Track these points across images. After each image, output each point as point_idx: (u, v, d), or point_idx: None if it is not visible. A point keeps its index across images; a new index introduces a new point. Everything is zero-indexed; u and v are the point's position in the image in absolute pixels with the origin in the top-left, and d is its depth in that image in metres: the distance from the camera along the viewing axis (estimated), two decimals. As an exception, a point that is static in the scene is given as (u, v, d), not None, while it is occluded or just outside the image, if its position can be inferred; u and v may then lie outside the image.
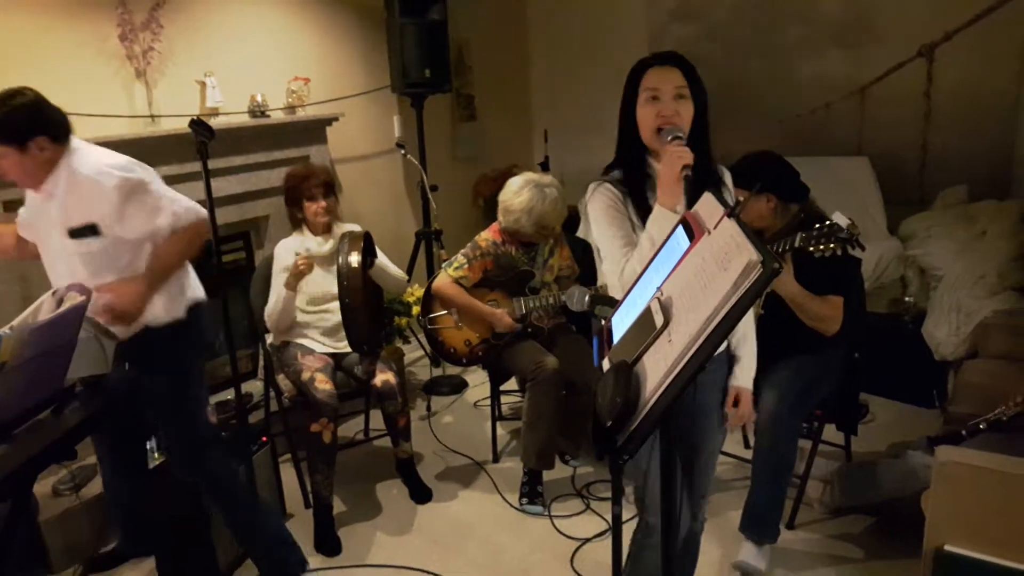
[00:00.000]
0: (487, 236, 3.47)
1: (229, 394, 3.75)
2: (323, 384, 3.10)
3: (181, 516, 2.84)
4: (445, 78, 4.59)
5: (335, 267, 3.20)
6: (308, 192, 3.32)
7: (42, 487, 3.09)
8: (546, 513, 3.28)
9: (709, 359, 1.03)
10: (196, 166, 3.51)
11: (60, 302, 1.89)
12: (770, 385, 2.84)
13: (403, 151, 4.46)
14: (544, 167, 5.45)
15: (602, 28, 5.77)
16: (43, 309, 1.84)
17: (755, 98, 5.15)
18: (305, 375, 3.15)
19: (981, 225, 4.26)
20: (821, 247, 2.50)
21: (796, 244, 2.59)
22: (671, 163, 1.74)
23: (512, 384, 3.90)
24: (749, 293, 0.98)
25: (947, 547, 2.37)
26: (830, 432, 3.20)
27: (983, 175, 4.46)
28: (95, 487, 3.13)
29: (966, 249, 4.16)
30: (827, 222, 2.52)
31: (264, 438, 3.16)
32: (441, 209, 4.61)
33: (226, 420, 3.44)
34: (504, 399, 4.05)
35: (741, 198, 2.76)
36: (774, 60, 5.08)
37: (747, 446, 3.53)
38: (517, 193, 3.33)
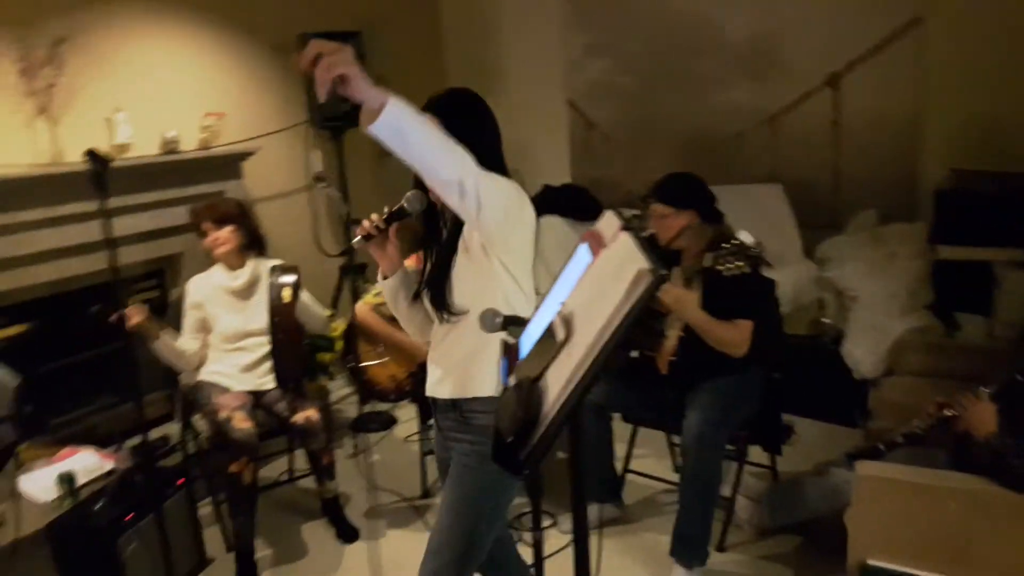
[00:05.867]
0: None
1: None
2: (241, 423, 3.01)
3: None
4: (363, 112, 4.56)
5: (249, 302, 3.12)
6: (200, 227, 3.25)
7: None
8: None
9: (605, 368, 1.02)
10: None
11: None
12: (693, 406, 2.87)
13: (324, 185, 4.41)
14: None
15: (519, 62, 5.83)
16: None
17: (671, 129, 5.26)
18: (222, 414, 3.05)
19: (891, 247, 4.40)
20: (730, 265, 2.54)
21: (705, 264, 2.63)
22: None
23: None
24: (641, 299, 0.97)
25: (870, 561, 2.41)
26: (756, 453, 3.24)
27: (891, 199, 4.62)
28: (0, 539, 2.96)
29: (878, 270, 4.29)
30: (733, 241, 2.57)
31: (182, 480, 3.05)
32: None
33: (137, 466, 3.31)
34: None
35: (666, 212, 2.83)
36: (687, 91, 5.20)
37: (676, 470, 3.54)
38: None
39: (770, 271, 2.83)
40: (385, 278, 2.06)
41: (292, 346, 3.11)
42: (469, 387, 1.94)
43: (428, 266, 2.04)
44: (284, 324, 3.07)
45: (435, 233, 2.02)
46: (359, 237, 1.91)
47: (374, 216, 1.91)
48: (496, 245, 1.83)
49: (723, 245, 2.56)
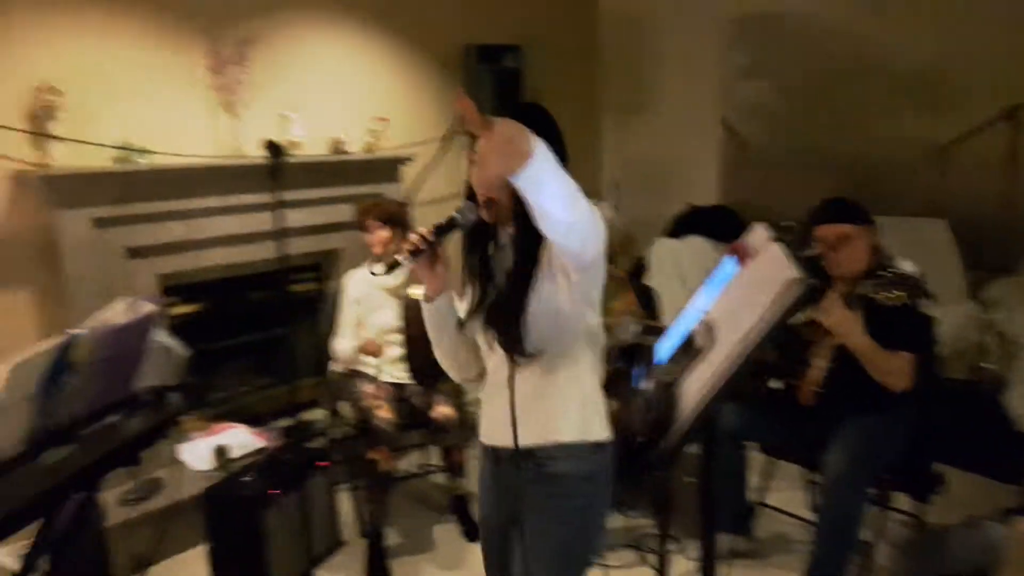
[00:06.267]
0: None
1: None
2: (383, 413, 3.15)
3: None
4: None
5: (399, 300, 3.25)
6: (364, 224, 3.38)
7: (110, 496, 3.22)
8: (600, 562, 3.21)
9: (744, 387, 1.01)
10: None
11: (132, 310, 1.98)
12: (836, 443, 2.74)
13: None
14: (611, 217, 5.46)
15: (675, 80, 5.79)
16: (116, 314, 1.93)
17: (828, 155, 5.08)
18: (366, 403, 3.20)
19: (1070, 294, 4.08)
20: (889, 294, 2.42)
21: (862, 291, 2.51)
22: None
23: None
24: (789, 309, 0.96)
25: (1020, 623, 2.24)
26: (901, 500, 3.06)
27: (1074, 242, 4.28)
28: (160, 500, 3.23)
29: (1053, 317, 3.98)
30: (894, 269, 2.45)
31: (325, 463, 3.22)
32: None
33: (286, 446, 3.51)
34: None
35: (847, 231, 2.67)
36: (847, 117, 5.00)
37: (813, 508, 3.40)
38: None
39: (930, 306, 2.67)
40: (429, 300, 1.81)
41: (424, 342, 3.18)
42: (549, 433, 1.71)
43: (480, 294, 1.79)
44: (415, 320, 3.16)
45: (482, 254, 1.80)
46: (406, 253, 1.67)
47: (422, 230, 1.67)
48: (586, 273, 1.64)
49: (880, 273, 2.45)
